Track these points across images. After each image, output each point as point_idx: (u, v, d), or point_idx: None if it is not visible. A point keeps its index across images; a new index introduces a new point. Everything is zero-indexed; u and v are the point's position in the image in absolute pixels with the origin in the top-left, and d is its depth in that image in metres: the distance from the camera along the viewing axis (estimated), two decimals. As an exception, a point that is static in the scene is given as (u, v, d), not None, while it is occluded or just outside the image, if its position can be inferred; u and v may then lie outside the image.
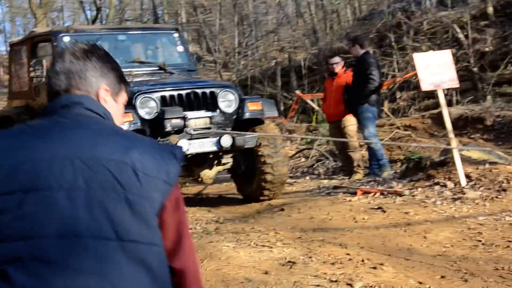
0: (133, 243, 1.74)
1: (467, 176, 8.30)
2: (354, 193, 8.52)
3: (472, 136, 14.12)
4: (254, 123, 8.87)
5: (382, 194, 8.36)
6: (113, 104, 2.09)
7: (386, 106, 17.91)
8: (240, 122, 8.72)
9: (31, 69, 9.59)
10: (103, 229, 1.73)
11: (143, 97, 8.25)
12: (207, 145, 8.29)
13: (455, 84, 9.20)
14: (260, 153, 8.66)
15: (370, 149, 10.16)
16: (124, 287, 1.73)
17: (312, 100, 15.97)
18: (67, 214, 1.72)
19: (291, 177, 11.04)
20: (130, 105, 8.14)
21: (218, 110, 8.55)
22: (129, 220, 1.75)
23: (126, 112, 7.92)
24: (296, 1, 30.81)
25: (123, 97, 2.16)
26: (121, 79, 2.15)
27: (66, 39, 9.49)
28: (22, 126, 2.01)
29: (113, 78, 2.09)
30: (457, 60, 17.78)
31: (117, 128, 2.01)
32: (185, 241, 1.91)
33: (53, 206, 1.72)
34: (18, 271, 1.69)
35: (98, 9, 30.32)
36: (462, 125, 14.82)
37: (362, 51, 10.33)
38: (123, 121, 7.11)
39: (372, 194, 8.43)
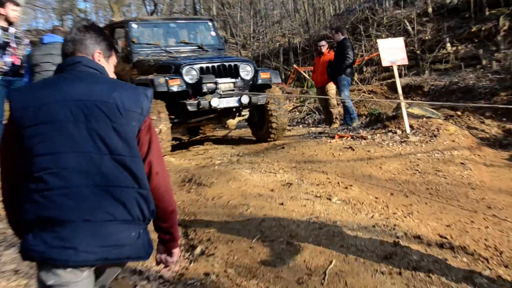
0: (120, 156, 2.16)
1: (411, 126, 8.39)
2: (333, 137, 8.62)
3: (415, 98, 14.14)
4: (265, 87, 8.97)
5: (352, 138, 8.46)
6: (105, 63, 2.43)
7: (356, 77, 17.92)
8: (255, 86, 8.82)
9: (110, 48, 9.79)
10: (100, 147, 2.12)
11: (187, 67, 8.32)
12: (231, 102, 8.38)
13: (405, 62, 9.29)
14: (268, 108, 8.77)
15: (345, 107, 10.25)
16: (113, 178, 2.13)
17: (304, 72, 15.97)
18: (76, 137, 2.11)
19: (289, 125, 11.18)
20: (178, 73, 8.28)
21: (239, 78, 8.62)
22: (116, 141, 2.15)
23: (174, 78, 8.12)
24: (294, 0, 30.63)
25: (113, 59, 2.53)
26: (111, 46, 2.50)
27: (134, 26, 9.62)
28: (40, 81, 2.43)
29: (105, 46, 2.44)
30: (406, 45, 17.74)
31: (106, 78, 2.35)
32: (153, 147, 2.30)
33: (65, 132, 2.10)
34: (49, 175, 2.07)
35: (155, 5, 30.21)
36: (408, 91, 14.82)
37: (342, 37, 10.37)
38: (172, 83, 7.30)
39: (345, 138, 8.54)
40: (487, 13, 18.13)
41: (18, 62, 6.73)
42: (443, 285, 3.94)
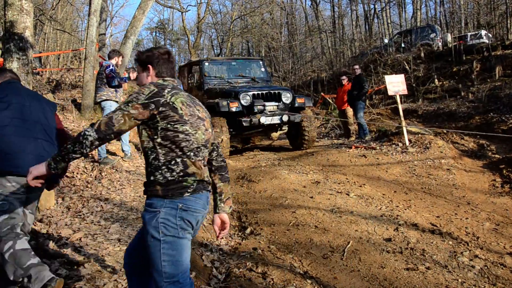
0: (50, 126, 2.90)
1: (409, 140, 8.12)
2: (350, 147, 8.41)
3: (412, 120, 13.78)
4: (300, 109, 8.84)
5: (365, 148, 8.24)
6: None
7: (368, 103, 17.59)
8: (293, 108, 8.70)
9: (188, 79, 9.91)
10: (43, 120, 2.88)
11: (243, 94, 8.30)
12: (275, 120, 8.29)
13: (405, 92, 9.01)
14: (302, 125, 8.63)
15: (359, 124, 10.01)
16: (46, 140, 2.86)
17: (329, 98, 15.77)
18: (34, 114, 2.85)
19: (317, 138, 11.00)
20: (236, 98, 8.25)
21: (281, 102, 8.53)
22: (48, 118, 2.93)
23: (233, 101, 8.10)
24: (322, 46, 30.39)
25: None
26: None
27: (206, 63, 9.68)
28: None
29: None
30: (405, 80, 17.38)
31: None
32: (60, 122, 3.06)
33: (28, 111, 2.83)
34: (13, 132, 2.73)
35: (221, 49, 30.43)
36: (406, 114, 14.40)
37: (359, 72, 10.18)
38: (232, 105, 7.31)
39: (360, 148, 8.32)
40: (464, 58, 17.83)
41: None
42: (433, 262, 3.76)
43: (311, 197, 5.37)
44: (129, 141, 7.21)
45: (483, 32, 20.35)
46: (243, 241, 4.38)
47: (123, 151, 7.07)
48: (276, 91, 8.63)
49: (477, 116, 12.70)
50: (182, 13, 28.75)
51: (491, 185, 6.25)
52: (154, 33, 54.88)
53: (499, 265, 3.81)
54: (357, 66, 10.57)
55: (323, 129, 12.88)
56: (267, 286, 3.42)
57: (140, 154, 7.78)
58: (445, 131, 11.26)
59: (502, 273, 3.68)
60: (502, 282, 3.54)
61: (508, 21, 21.36)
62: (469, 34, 20.64)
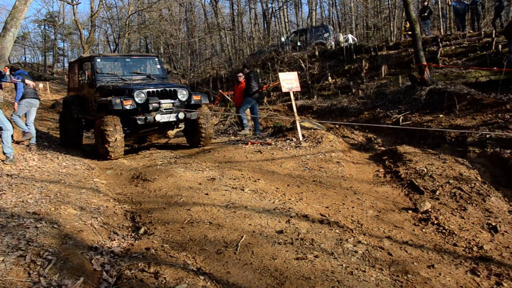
0: None
1: (303, 135, 8.50)
2: (247, 143, 8.60)
3: (307, 115, 14.39)
4: (196, 106, 8.83)
5: (261, 144, 8.46)
6: None
7: (265, 99, 18.05)
8: (189, 106, 8.66)
9: (79, 76, 9.45)
10: None
11: (138, 91, 8.11)
12: (171, 117, 8.23)
13: (299, 89, 9.39)
14: (199, 122, 8.66)
15: (239, 117, 10.44)
16: None
17: (227, 95, 15.93)
18: None
19: (215, 135, 11.07)
20: (130, 95, 8.04)
21: (177, 99, 8.47)
22: None
23: (127, 99, 7.88)
24: (221, 43, 30.60)
25: None
26: None
27: (98, 60, 9.29)
28: None
29: None
30: (300, 77, 18.12)
31: None
32: None
33: None
34: None
35: (117, 45, 29.30)
36: (302, 110, 15.10)
37: (247, 71, 10.46)
38: (126, 103, 7.15)
39: (256, 144, 8.53)
40: (354, 57, 19.00)
41: None
42: (321, 250, 3.97)
43: (206, 194, 5.40)
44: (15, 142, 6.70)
45: (350, 36, 22.22)
46: (136, 241, 4.28)
47: (4, 153, 6.56)
48: (172, 89, 8.54)
49: (366, 111, 13.61)
50: (73, 6, 27.23)
51: (375, 175, 6.76)
52: (42, 26, 51.38)
53: (378, 248, 4.15)
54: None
55: (222, 126, 12.97)
56: (159, 286, 3.38)
57: (25, 156, 7.26)
58: (337, 126, 11.98)
59: (381, 255, 4.02)
60: (380, 263, 3.86)
61: (391, 24, 23.26)
62: (341, 36, 22.20)
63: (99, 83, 8.95)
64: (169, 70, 27.80)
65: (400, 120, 11.68)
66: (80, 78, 9.57)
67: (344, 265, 3.74)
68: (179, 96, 8.49)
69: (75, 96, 9.97)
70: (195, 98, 8.74)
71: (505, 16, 19.42)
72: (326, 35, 22.04)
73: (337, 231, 4.43)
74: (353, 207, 5.24)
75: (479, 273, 3.97)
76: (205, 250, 4.00)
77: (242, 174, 6.35)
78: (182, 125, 9.05)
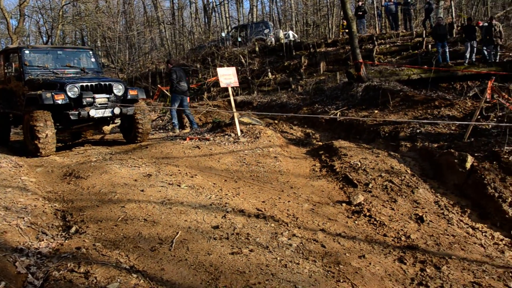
0: None
1: (241, 131, 8.53)
2: (185, 139, 8.51)
3: (247, 111, 14.46)
4: (133, 101, 8.60)
5: (199, 140, 8.41)
6: None
7: (206, 95, 17.96)
8: (125, 101, 8.43)
9: (6, 68, 8.94)
10: None
11: (70, 85, 7.77)
12: (106, 113, 7.97)
13: (237, 84, 9.37)
14: (135, 117, 8.45)
15: (171, 114, 10.45)
16: None
17: (166, 90, 15.68)
18: None
19: (153, 131, 10.88)
20: (62, 90, 7.71)
21: (113, 94, 8.21)
22: None
23: (59, 93, 7.54)
24: (161, 37, 30.07)
25: None
26: None
27: (26, 51, 8.79)
28: None
29: None
30: (241, 73, 18.20)
31: None
32: None
33: None
34: None
35: (49, 36, 27.97)
36: (242, 105, 15.15)
37: (170, 67, 10.44)
38: (57, 97, 6.84)
39: (194, 139, 8.46)
40: (294, 53, 19.32)
41: None
42: (256, 244, 4.02)
43: (142, 191, 5.29)
44: None
45: (290, 32, 22.68)
46: (66, 241, 4.12)
47: None
48: (107, 83, 8.26)
49: (305, 107, 13.87)
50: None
51: (311, 169, 6.92)
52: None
53: (312, 241, 4.26)
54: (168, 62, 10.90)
55: (160, 121, 12.76)
56: (89, 286, 3.28)
57: None
58: (276, 121, 12.13)
59: (314, 248, 4.13)
60: (313, 255, 3.96)
61: (330, 22, 23.84)
62: (281, 32, 22.58)
63: (28, 76, 8.49)
64: (106, 64, 26.93)
65: (338, 115, 12.01)
66: (6, 70, 9.05)
67: (278, 258, 3.81)
68: (115, 91, 8.24)
69: (1, 90, 9.41)
70: (132, 92, 8.52)
71: (434, 18, 20.44)
72: (266, 31, 22.21)
73: (273, 225, 4.50)
74: (289, 201, 5.33)
75: (405, 261, 4.18)
76: (139, 248, 3.92)
77: (179, 170, 6.29)
78: (118, 121, 8.78)
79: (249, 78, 18.28)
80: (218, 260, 3.73)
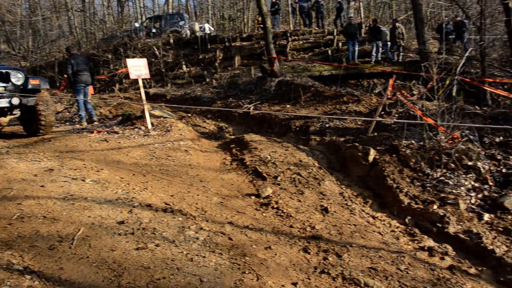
0: None
1: (152, 124, 8.35)
2: (92, 132, 8.16)
3: (161, 104, 14.17)
4: (35, 91, 8.05)
5: (107, 133, 8.10)
6: None
7: (117, 87, 17.33)
8: (26, 90, 7.87)
9: None
10: None
11: None
12: (2, 103, 7.40)
13: (148, 76, 9.14)
14: (37, 108, 7.92)
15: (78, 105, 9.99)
16: None
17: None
18: None
19: (59, 123, 10.30)
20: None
21: (10, 83, 7.64)
22: None
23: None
24: (69, 25, 28.50)
25: None
26: None
27: None
28: None
29: None
30: (154, 65, 17.81)
31: None
32: None
33: None
34: None
35: None
36: (156, 98, 14.84)
37: (66, 56, 10.08)
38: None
39: (102, 132, 8.14)
40: (209, 46, 19.25)
41: None
42: (163, 239, 3.96)
43: (42, 186, 4.98)
44: None
45: (207, 25, 22.70)
46: (-49, 243, 3.79)
47: None
48: (4, 71, 7.66)
49: (219, 101, 13.91)
50: None
51: (222, 163, 6.95)
52: None
53: (220, 233, 4.28)
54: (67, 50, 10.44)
55: (67, 113, 12.11)
56: (-26, 291, 3.04)
57: None
58: (189, 115, 12.03)
59: (221, 241, 4.15)
60: (220, 248, 3.99)
61: (245, 16, 24.03)
62: (197, 25, 22.49)
63: None
64: (6, 51, 24.94)
65: (251, 109, 12.17)
66: None
67: (184, 252, 3.78)
68: (13, 80, 7.66)
69: None
70: (33, 82, 7.97)
71: (344, 17, 21.38)
72: (181, 23, 21.88)
73: (180, 219, 4.45)
74: (198, 195, 5.31)
75: (310, 251, 4.35)
76: (35, 247, 3.70)
77: (85, 164, 6.00)
78: (17, 112, 8.18)
79: (163, 70, 17.93)
80: (122, 256, 3.63)
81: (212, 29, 24.73)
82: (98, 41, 23.95)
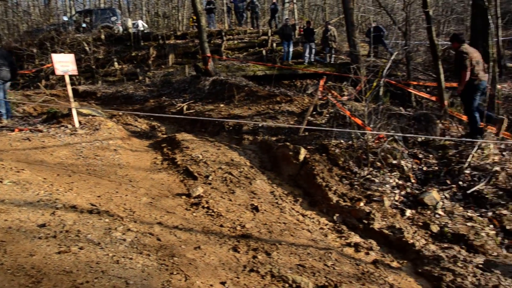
0: None
1: (80, 122, 8.02)
2: (13, 130, 7.69)
3: (91, 101, 13.68)
4: None
5: (30, 131, 7.67)
6: None
7: (43, 83, 16.48)
8: None
9: None
10: None
11: None
12: None
13: (75, 72, 8.74)
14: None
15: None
16: None
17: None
18: None
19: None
20: None
21: None
22: None
23: None
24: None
25: None
26: None
27: None
28: None
29: None
30: (84, 61, 17.14)
31: None
32: None
33: None
34: None
35: None
36: (85, 95, 14.30)
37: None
38: None
39: (24, 131, 7.69)
40: (142, 43, 18.85)
41: None
42: (87, 241, 3.81)
43: (-47, 189, 4.64)
44: None
45: (140, 22, 22.28)
46: None
47: None
48: None
49: (152, 99, 13.63)
50: None
51: (152, 162, 6.81)
52: None
53: (148, 234, 4.19)
54: None
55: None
56: None
57: None
58: (120, 113, 11.68)
59: (150, 242, 4.06)
60: (148, 249, 3.90)
61: (180, 14, 23.73)
62: (129, 21, 22.00)
63: None
64: None
65: (184, 108, 12.03)
66: None
67: (110, 254, 3.66)
68: None
69: None
70: None
71: (279, 18, 21.73)
72: (113, 18, 21.21)
73: (107, 220, 4.31)
74: (126, 195, 5.17)
75: (239, 250, 4.36)
76: None
77: (3, 164, 5.63)
78: None
79: (93, 67, 17.28)
80: (42, 261, 3.45)
81: (146, 26, 24.22)
82: (22, 34, 22.62)
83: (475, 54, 7.57)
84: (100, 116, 8.96)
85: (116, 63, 17.89)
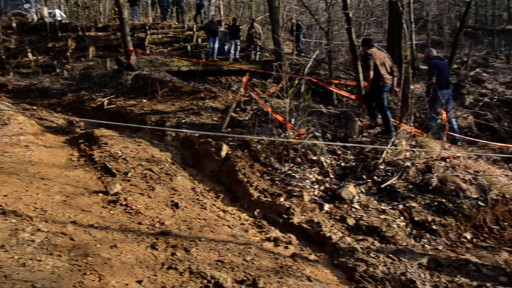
0: None
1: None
2: None
3: (1, 94, 12.76)
4: None
5: None
6: None
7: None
8: None
9: None
10: None
11: None
12: None
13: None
14: None
15: None
16: None
17: None
18: None
19: None
20: None
21: None
22: None
23: None
24: None
25: None
26: None
27: None
28: None
29: None
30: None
31: None
32: None
33: None
34: None
35: None
36: (-5, 88, 13.36)
37: None
38: None
39: None
40: (60, 34, 17.97)
41: None
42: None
43: None
44: None
45: (57, 11, 21.33)
46: None
47: None
48: None
49: (71, 93, 12.99)
50: None
51: (68, 159, 6.48)
52: None
53: (60, 234, 3.98)
54: None
55: None
56: None
57: None
58: (35, 107, 11.05)
59: (62, 242, 3.87)
60: (60, 249, 3.71)
61: (101, 5, 22.84)
62: (46, 9, 20.96)
63: None
64: None
65: (105, 103, 11.59)
66: None
67: (16, 257, 3.44)
68: None
69: None
70: None
71: (205, 13, 21.58)
72: (27, 6, 19.99)
73: (14, 220, 4.04)
74: (38, 194, 4.87)
75: (158, 247, 4.27)
76: None
77: None
78: None
79: (4, 57, 16.13)
80: None
81: (64, 16, 23.06)
82: None
83: (380, 56, 8.07)
84: (9, 110, 8.37)
85: (30, 54, 16.84)
